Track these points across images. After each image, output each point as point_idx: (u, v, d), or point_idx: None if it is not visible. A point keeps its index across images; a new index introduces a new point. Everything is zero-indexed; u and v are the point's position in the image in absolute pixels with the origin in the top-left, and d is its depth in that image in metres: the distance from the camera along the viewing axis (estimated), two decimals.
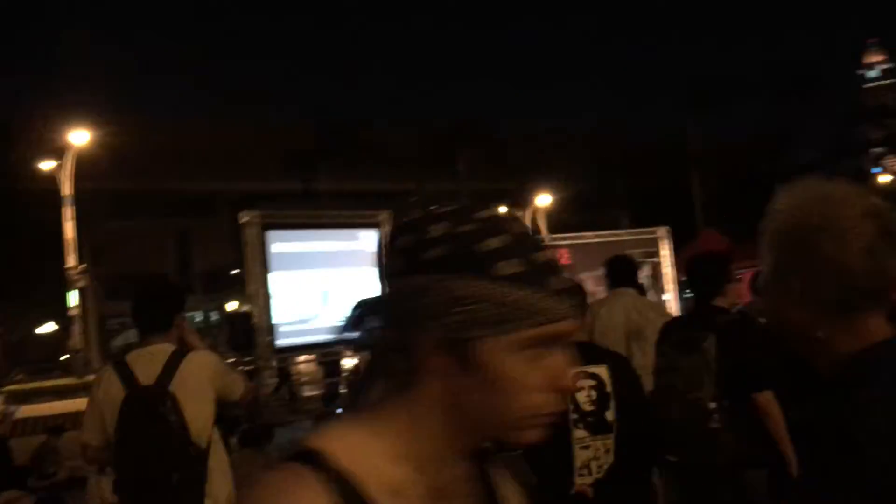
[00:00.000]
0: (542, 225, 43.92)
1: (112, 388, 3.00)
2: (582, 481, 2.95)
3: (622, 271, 5.50)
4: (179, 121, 46.93)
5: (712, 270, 3.86)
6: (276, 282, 14.43)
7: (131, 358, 3.09)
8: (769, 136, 48.46)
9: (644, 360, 4.78)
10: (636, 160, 47.37)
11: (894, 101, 79.64)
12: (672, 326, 4.05)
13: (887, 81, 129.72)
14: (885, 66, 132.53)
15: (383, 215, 16.22)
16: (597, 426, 2.98)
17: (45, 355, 40.00)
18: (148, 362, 3.03)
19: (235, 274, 48.62)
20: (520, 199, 43.61)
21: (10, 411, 11.75)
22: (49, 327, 41.06)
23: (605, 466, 2.98)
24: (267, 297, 14.23)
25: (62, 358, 39.65)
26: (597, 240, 17.79)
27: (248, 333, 13.72)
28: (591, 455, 2.97)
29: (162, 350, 3.07)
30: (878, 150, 58.66)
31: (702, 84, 44.86)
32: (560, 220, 43.47)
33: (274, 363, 14.45)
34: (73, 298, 24.60)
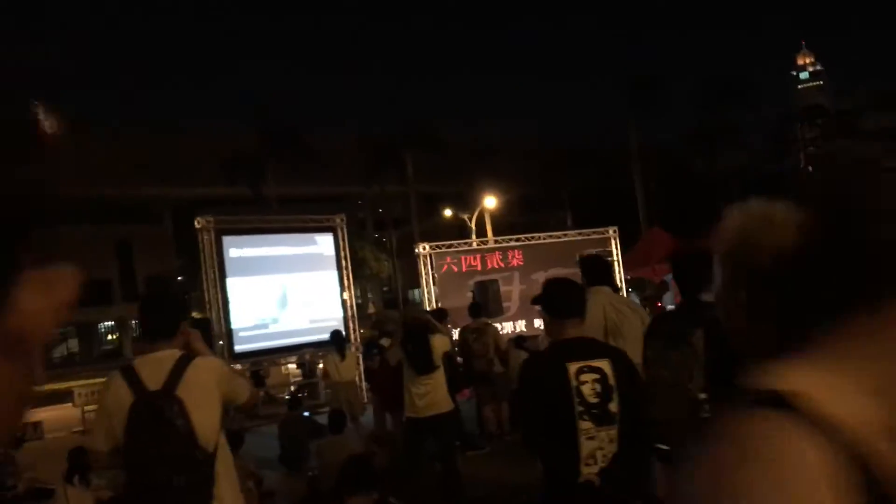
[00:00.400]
0: (489, 226, 44.34)
1: (120, 394, 3.04)
2: (588, 471, 3.12)
3: (596, 269, 5.70)
4: (119, 126, 45.87)
5: (699, 267, 4.04)
6: (234, 287, 14.35)
7: (138, 363, 3.14)
8: (706, 136, 49.55)
9: None
10: (578, 162, 48.04)
11: (826, 102, 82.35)
12: (660, 320, 4.24)
13: (816, 83, 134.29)
14: (813, 68, 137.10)
15: (339, 218, 16.27)
16: (601, 417, 3.16)
17: None
18: (155, 368, 3.07)
19: (180, 280, 48.06)
20: (467, 202, 43.93)
21: None
22: None
23: (610, 455, 3.16)
24: (225, 302, 14.14)
25: None
26: (548, 240, 18.12)
27: (208, 340, 13.58)
28: (597, 445, 3.15)
29: (169, 355, 3.12)
30: (811, 149, 60.45)
31: (641, 84, 45.66)
32: (506, 221, 43.92)
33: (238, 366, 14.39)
34: None
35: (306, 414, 10.36)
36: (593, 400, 3.15)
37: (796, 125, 61.05)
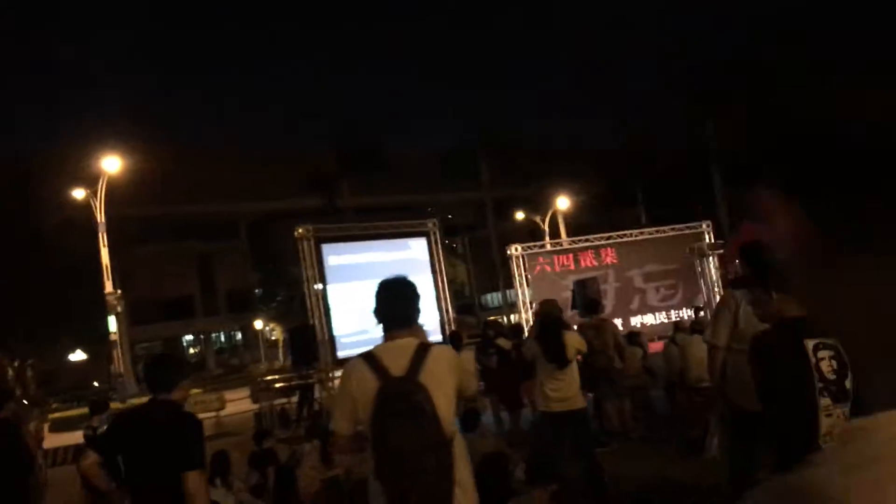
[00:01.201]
0: (562, 227, 44.15)
1: (365, 379, 3.11)
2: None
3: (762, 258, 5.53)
4: (203, 146, 47.16)
5: None
6: (334, 294, 14.56)
7: (379, 350, 3.21)
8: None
9: None
10: (651, 159, 47.43)
11: None
12: None
13: None
14: None
15: (431, 223, 16.39)
16: (838, 394, 3.09)
17: (75, 383, 40.25)
18: (397, 355, 3.14)
19: (259, 294, 49.05)
20: (538, 204, 43.83)
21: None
22: (79, 355, 41.33)
23: None
24: (326, 309, 14.35)
25: (95, 385, 39.94)
26: (641, 237, 17.92)
27: (311, 347, 13.82)
28: (833, 423, 3.09)
29: (408, 343, 3.20)
30: None
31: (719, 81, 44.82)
32: (578, 222, 43.65)
33: (337, 374, 14.61)
34: (112, 324, 24.66)
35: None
36: (831, 377, 3.09)
37: None
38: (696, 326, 9.77)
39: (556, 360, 6.47)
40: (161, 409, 3.90)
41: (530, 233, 52.54)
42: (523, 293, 16.89)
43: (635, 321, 16.94)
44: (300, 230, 14.44)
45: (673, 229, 18.19)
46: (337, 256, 14.87)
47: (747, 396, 5.07)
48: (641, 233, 17.87)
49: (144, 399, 4.19)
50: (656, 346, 13.14)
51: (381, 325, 3.37)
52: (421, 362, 3.09)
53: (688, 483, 6.65)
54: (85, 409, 17.14)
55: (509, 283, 48.81)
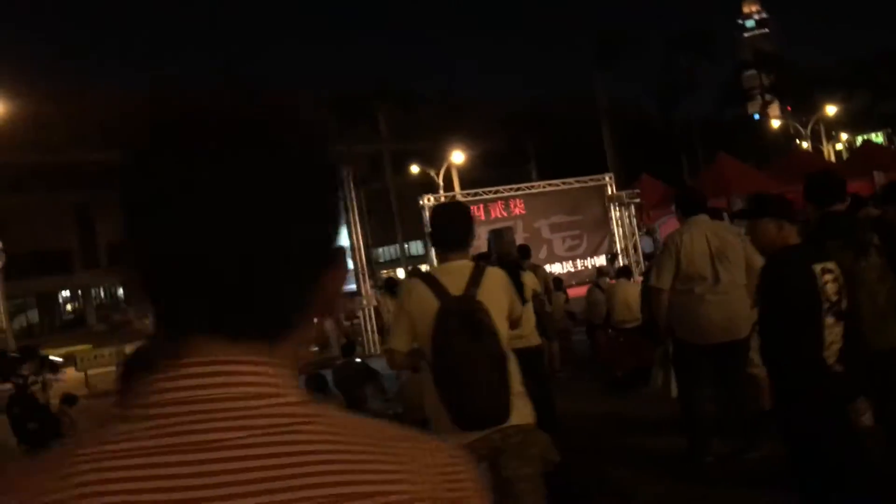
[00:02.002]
0: (456, 181, 44.58)
1: (424, 298, 3.22)
2: (831, 362, 3.40)
3: (692, 201, 5.87)
4: (75, 88, 44.57)
5: (831, 181, 4.30)
6: None
7: (436, 271, 3.37)
8: (666, 87, 50.24)
9: (729, 278, 5.23)
10: (542, 118, 48.41)
11: (770, 48, 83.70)
12: (830, 225, 4.24)
13: (762, 31, 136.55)
14: (759, 16, 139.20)
15: (345, 171, 16.26)
16: (839, 314, 3.42)
17: None
18: (454, 275, 3.25)
19: None
20: (433, 159, 44.00)
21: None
22: None
23: (838, 349, 3.42)
24: None
25: None
26: (548, 189, 18.39)
27: None
28: (832, 339, 3.41)
29: (465, 265, 3.32)
30: (767, 96, 61.67)
31: (605, 39, 46.03)
32: (471, 177, 44.16)
33: None
34: None
35: (358, 360, 10.48)
36: (834, 298, 3.40)
37: (746, 73, 62.14)
38: (620, 272, 10.21)
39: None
40: None
41: (422, 186, 52.86)
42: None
43: (552, 269, 17.47)
44: None
45: (578, 181, 18.75)
46: None
47: (692, 332, 5.46)
48: (550, 184, 18.34)
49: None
50: (573, 292, 13.62)
51: (435, 247, 3.52)
52: (478, 282, 3.23)
53: (637, 416, 7.05)
54: None
55: (408, 236, 48.99)
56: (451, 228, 3.43)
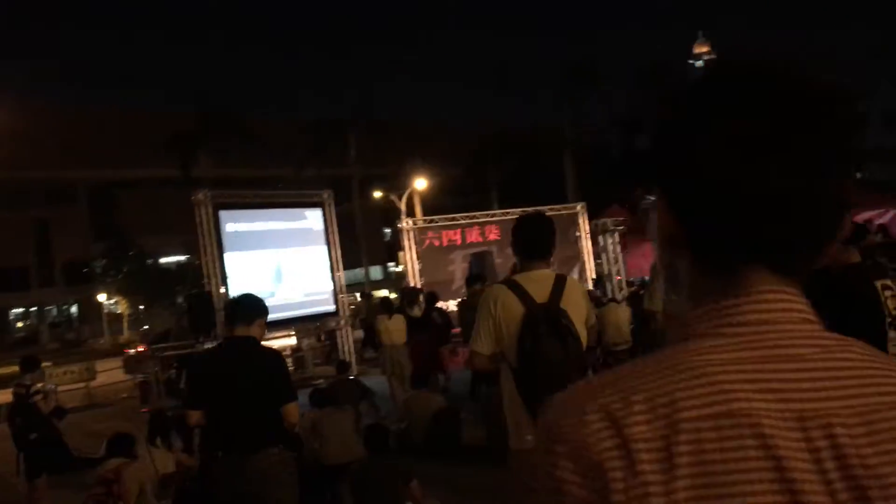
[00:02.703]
0: (418, 207, 44.84)
1: (510, 305, 3.44)
2: None
3: None
4: (36, 104, 43.92)
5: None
6: (231, 262, 14.37)
7: (520, 279, 3.54)
8: (630, 122, 51.25)
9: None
10: (506, 147, 49.02)
11: None
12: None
13: None
14: (708, 57, 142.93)
15: (326, 194, 16.47)
16: None
17: None
18: (537, 283, 3.49)
19: (102, 265, 46.61)
20: (396, 184, 44.25)
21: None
22: None
23: None
24: (224, 276, 14.15)
25: None
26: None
27: (210, 314, 13.61)
28: (893, 351, 3.72)
29: (547, 274, 3.57)
30: None
31: (573, 74, 46.91)
32: (434, 203, 44.48)
33: None
34: None
35: (352, 377, 10.63)
36: (894, 312, 3.74)
37: None
38: (612, 296, 10.57)
39: None
40: (246, 344, 4.02)
41: (384, 212, 53.05)
42: (413, 267, 17.28)
43: None
44: (199, 195, 14.12)
45: (551, 209, 19.12)
46: (234, 224, 14.63)
47: None
48: (525, 211, 18.65)
49: None
50: None
51: (519, 256, 3.69)
52: (560, 291, 3.48)
53: None
54: None
55: (374, 260, 48.78)
56: (538, 238, 3.65)
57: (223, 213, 14.41)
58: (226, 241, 14.34)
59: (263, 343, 4.14)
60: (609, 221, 17.06)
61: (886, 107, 52.04)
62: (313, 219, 16.13)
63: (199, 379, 4.11)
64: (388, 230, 58.56)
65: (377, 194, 45.75)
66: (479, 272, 13.52)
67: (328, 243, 16.26)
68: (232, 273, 14.32)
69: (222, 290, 14.07)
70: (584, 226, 18.99)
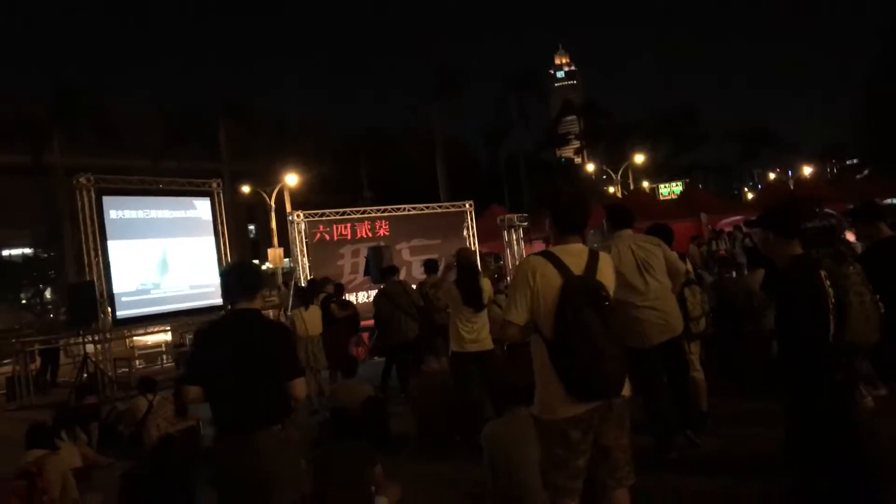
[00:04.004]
0: (288, 202, 44.08)
1: (549, 276, 3.43)
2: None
3: (620, 216, 6.38)
4: None
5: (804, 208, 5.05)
6: (114, 250, 13.63)
7: (558, 251, 3.51)
8: (496, 126, 52.44)
9: (655, 285, 5.75)
10: (377, 146, 49.04)
11: (578, 98, 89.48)
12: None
13: (570, 82, 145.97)
14: (568, 68, 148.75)
15: (215, 183, 15.92)
16: (837, 314, 4.04)
17: None
18: (574, 257, 3.50)
19: None
20: (267, 179, 43.29)
21: None
22: None
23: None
24: (106, 265, 13.40)
25: None
26: (413, 212, 18.78)
27: (92, 305, 12.82)
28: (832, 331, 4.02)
29: (582, 248, 3.58)
30: (577, 142, 65.81)
31: (442, 75, 47.50)
32: (305, 200, 43.86)
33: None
34: None
35: None
36: (832, 300, 4.04)
37: (563, 119, 66.05)
38: None
39: (474, 303, 6.96)
40: (251, 316, 3.81)
41: (250, 207, 51.73)
42: (302, 260, 16.95)
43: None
44: (82, 179, 13.28)
45: (441, 206, 19.33)
46: (118, 211, 13.86)
47: (636, 338, 5.91)
48: (415, 208, 18.72)
49: None
50: None
51: (556, 229, 3.65)
52: (595, 265, 3.51)
53: None
54: None
55: (240, 257, 47.41)
56: (576, 212, 3.64)
57: (106, 200, 13.64)
58: (109, 229, 13.59)
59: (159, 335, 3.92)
60: (515, 217, 17.39)
61: None
62: (202, 208, 15.55)
63: (201, 354, 3.86)
64: (252, 227, 57.10)
65: (245, 189, 44.57)
66: (432, 260, 13.43)
67: (217, 234, 15.72)
68: (115, 262, 13.58)
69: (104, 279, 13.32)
70: (472, 223, 19.25)
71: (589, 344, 3.33)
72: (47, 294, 45.60)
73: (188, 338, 16.37)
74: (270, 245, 43.30)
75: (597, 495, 3.61)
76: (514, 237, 17.41)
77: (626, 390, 3.54)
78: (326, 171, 46.75)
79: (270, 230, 44.50)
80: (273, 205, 43.26)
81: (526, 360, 8.88)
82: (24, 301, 44.06)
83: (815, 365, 3.96)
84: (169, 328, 16.03)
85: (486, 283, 7.28)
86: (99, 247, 13.31)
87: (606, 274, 3.55)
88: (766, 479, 4.84)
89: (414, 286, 18.06)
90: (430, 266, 10.49)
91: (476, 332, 7.06)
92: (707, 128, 61.20)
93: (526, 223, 17.90)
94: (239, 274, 3.94)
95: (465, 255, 7.53)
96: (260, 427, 3.65)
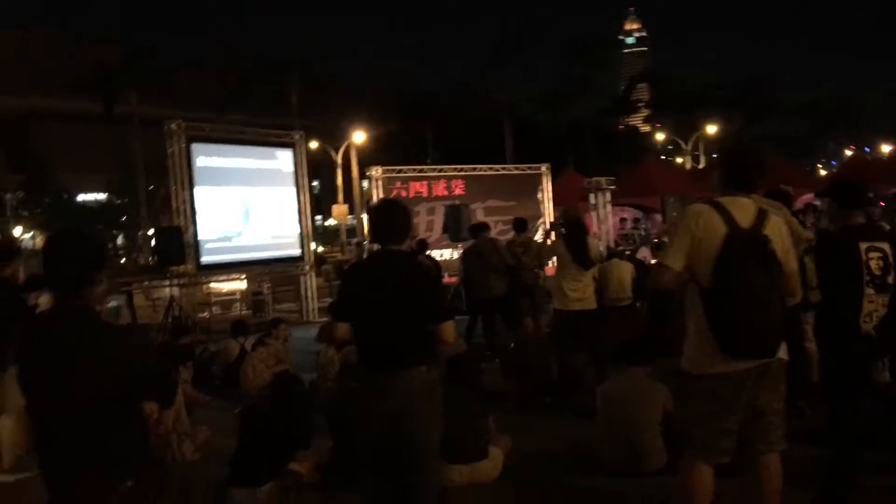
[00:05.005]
0: (354, 161, 44.34)
1: (714, 225, 3.33)
2: (866, 326, 3.98)
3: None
4: None
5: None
6: (200, 197, 13.86)
7: (725, 203, 3.42)
8: (562, 91, 51.74)
9: None
10: (441, 106, 48.86)
11: (647, 65, 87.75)
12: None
13: (641, 48, 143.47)
14: (639, 34, 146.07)
15: (297, 135, 16.06)
16: (881, 286, 3.98)
17: None
18: (741, 209, 3.39)
19: (18, 198, 44.16)
20: (335, 135, 43.55)
21: None
22: None
23: (879, 316, 4.00)
24: (193, 212, 13.65)
25: None
26: (489, 172, 18.71)
27: (180, 249, 13.08)
28: (874, 308, 3.98)
29: (750, 201, 3.47)
30: (646, 110, 64.64)
31: (506, 39, 47.05)
32: (369, 158, 44.03)
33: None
34: None
35: None
36: (877, 272, 3.97)
37: (629, 87, 64.78)
38: (611, 253, 10.66)
39: (582, 261, 6.92)
40: (401, 257, 3.81)
41: (315, 164, 52.07)
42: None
43: None
44: (172, 125, 13.50)
45: (517, 168, 19.24)
46: (206, 158, 14.07)
47: None
48: (491, 168, 18.66)
49: None
50: None
51: (725, 185, 3.57)
52: (763, 220, 3.40)
53: None
54: None
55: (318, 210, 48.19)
56: (747, 168, 3.58)
57: (195, 146, 13.85)
58: (196, 176, 13.81)
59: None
60: (603, 180, 17.23)
61: None
62: (284, 160, 15.71)
63: (349, 291, 3.87)
64: (315, 183, 57.61)
65: (313, 145, 44.92)
66: (457, 224, 13.53)
67: (297, 186, 15.88)
68: (201, 209, 13.82)
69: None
70: (548, 186, 19.09)
71: (747, 297, 3.25)
72: (119, 240, 46.87)
73: (265, 286, 16.66)
74: (334, 201, 43.79)
75: (746, 458, 3.55)
76: (602, 200, 17.23)
77: (784, 353, 3.44)
78: (391, 131, 46.81)
79: (335, 187, 44.96)
80: (339, 161, 43.60)
81: (623, 322, 8.86)
82: None
83: (839, 334, 4.06)
84: (244, 276, 16.28)
85: (593, 243, 7.21)
86: (187, 193, 13.54)
87: (776, 231, 3.42)
88: (877, 450, 4.69)
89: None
90: (519, 225, 10.45)
91: (581, 291, 7.02)
92: (782, 98, 59.55)
93: (614, 186, 17.68)
94: (389, 213, 3.90)
95: (573, 214, 7.48)
96: (406, 367, 3.67)
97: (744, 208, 3.42)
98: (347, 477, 5.07)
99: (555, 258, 7.51)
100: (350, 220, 46.42)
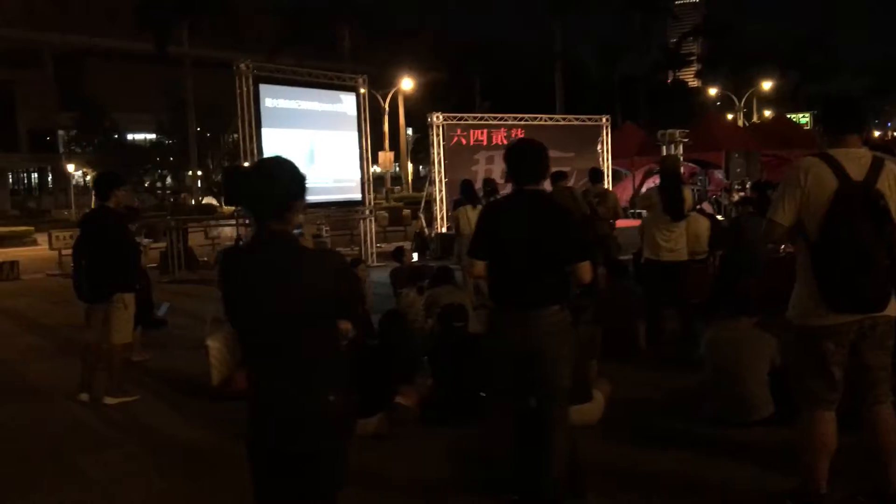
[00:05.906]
0: (401, 107, 44.13)
1: (824, 179, 3.25)
2: None
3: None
4: None
5: None
6: (267, 138, 13.92)
7: (836, 154, 3.32)
8: (614, 44, 50.84)
9: None
10: (492, 56, 48.28)
11: (701, 19, 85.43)
12: None
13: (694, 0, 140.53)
14: None
15: (361, 79, 16.01)
16: None
17: None
18: (854, 161, 3.29)
19: (71, 135, 44.86)
20: (382, 81, 43.32)
21: None
22: None
23: None
24: (261, 152, 13.71)
25: None
26: (549, 122, 18.55)
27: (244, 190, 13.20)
28: None
29: (864, 153, 3.37)
30: (697, 65, 63.34)
31: None
32: (416, 106, 43.81)
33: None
34: None
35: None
36: None
37: (681, 40, 63.39)
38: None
39: (674, 212, 6.87)
40: (539, 197, 3.81)
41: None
42: (439, 164, 17.03)
43: None
44: (241, 65, 13.51)
45: (577, 119, 19.03)
46: (273, 99, 14.09)
47: None
48: (552, 118, 18.52)
49: None
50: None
51: (831, 129, 3.47)
52: (878, 172, 3.29)
53: None
54: None
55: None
56: (852, 111, 3.46)
57: (263, 88, 13.86)
58: (264, 117, 13.85)
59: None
60: (677, 133, 17.02)
61: None
62: (348, 103, 15.69)
63: (488, 230, 3.89)
64: None
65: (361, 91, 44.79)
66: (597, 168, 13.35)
67: (360, 130, 15.87)
68: (267, 150, 13.88)
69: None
70: (607, 138, 18.90)
71: (855, 252, 3.18)
72: (168, 179, 47.45)
73: (325, 229, 16.78)
74: (380, 148, 43.83)
75: (861, 411, 3.53)
76: (674, 153, 17.10)
77: (893, 310, 3.35)
78: (441, 79, 46.43)
79: (381, 133, 44.92)
80: (387, 108, 43.44)
81: (696, 276, 8.77)
82: (146, 184, 45.96)
83: None
84: (302, 217, 16.39)
85: (687, 193, 7.15)
86: (254, 133, 13.60)
87: (891, 184, 3.29)
88: None
89: None
90: (595, 175, 10.37)
91: (673, 241, 6.98)
92: (841, 57, 57.94)
93: (687, 139, 17.45)
94: (525, 154, 3.87)
95: (670, 163, 7.40)
96: (542, 306, 3.69)
97: (858, 160, 3.31)
98: (447, 414, 5.20)
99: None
100: (396, 167, 46.45)
